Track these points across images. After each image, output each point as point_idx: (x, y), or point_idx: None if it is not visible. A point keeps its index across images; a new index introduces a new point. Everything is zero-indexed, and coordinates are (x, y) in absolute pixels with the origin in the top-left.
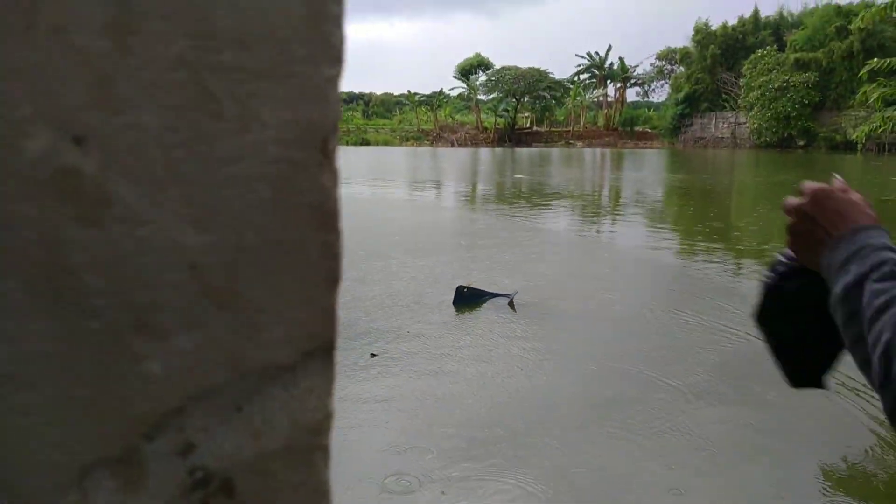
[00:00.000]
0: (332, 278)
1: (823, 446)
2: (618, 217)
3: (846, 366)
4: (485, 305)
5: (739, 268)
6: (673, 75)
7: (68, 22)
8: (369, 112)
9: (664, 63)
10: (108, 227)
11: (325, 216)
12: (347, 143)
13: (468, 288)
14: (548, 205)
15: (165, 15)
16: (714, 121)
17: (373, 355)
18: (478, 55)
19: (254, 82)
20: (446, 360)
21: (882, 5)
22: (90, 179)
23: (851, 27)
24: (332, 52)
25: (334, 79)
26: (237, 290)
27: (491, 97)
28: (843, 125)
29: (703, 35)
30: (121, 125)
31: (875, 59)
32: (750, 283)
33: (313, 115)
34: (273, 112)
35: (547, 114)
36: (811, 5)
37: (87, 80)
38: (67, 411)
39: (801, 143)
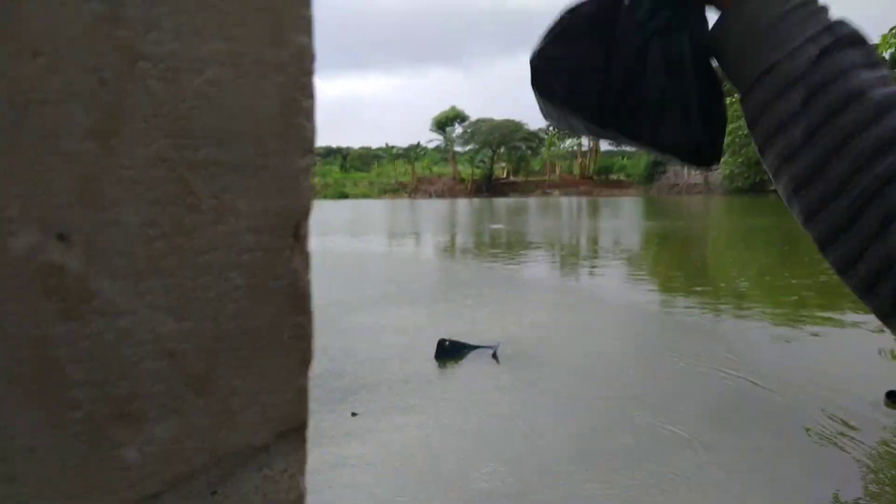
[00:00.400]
0: (304, 359)
1: (816, 487)
2: (597, 265)
3: (833, 407)
4: (467, 357)
5: (719, 311)
6: None
7: (55, 127)
8: (347, 166)
9: None
10: (90, 320)
11: (297, 299)
12: (325, 197)
13: (450, 341)
14: (527, 254)
15: (147, 116)
16: (686, 168)
17: (353, 414)
18: (454, 108)
19: (229, 175)
20: (429, 418)
21: None
22: (73, 275)
23: None
24: (303, 144)
25: (306, 168)
26: (214, 375)
27: (468, 149)
28: None
29: None
30: (104, 221)
31: None
32: (730, 322)
33: (286, 204)
34: (248, 202)
35: (523, 164)
36: None
37: (72, 181)
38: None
39: (773, 187)
